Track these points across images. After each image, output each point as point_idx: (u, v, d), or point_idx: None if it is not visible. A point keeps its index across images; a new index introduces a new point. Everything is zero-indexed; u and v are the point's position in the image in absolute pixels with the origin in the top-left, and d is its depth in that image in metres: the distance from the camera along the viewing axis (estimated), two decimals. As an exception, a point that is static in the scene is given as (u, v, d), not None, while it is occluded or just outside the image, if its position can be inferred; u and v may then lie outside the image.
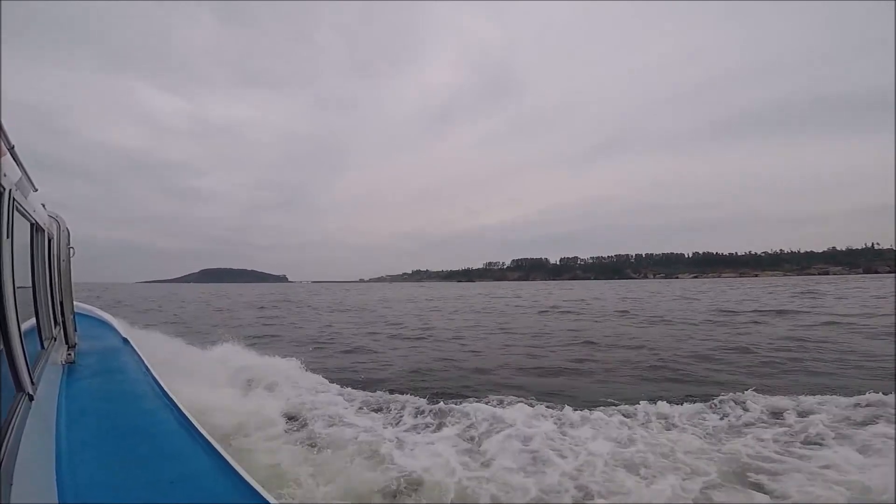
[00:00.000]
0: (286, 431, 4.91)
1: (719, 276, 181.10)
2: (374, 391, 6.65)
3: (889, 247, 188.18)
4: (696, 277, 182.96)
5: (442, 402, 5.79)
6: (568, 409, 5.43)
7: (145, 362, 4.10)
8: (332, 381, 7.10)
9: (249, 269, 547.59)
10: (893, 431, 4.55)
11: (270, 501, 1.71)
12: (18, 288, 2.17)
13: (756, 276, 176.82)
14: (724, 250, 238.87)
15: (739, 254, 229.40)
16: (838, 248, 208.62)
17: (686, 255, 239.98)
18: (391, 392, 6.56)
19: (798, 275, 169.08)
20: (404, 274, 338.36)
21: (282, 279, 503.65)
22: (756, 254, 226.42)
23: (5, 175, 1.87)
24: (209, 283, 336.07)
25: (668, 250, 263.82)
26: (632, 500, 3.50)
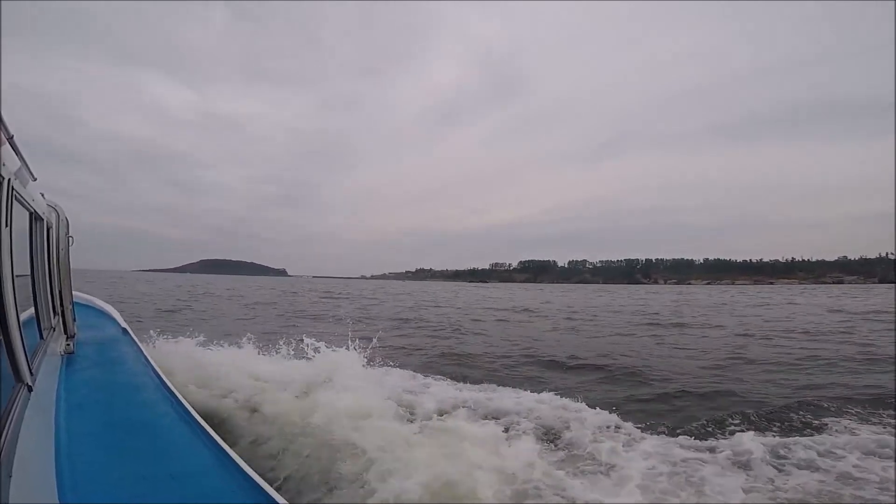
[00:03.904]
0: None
1: (733, 284, 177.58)
2: None
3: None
4: (709, 284, 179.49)
5: None
6: None
7: (145, 353, 4.08)
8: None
9: (248, 261, 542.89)
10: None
11: (271, 495, 1.69)
12: (17, 277, 2.11)
13: (771, 283, 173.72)
14: (728, 255, 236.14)
15: (752, 260, 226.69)
16: (849, 258, 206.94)
17: (696, 261, 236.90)
18: None
19: (814, 283, 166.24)
20: (407, 272, 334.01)
21: (281, 273, 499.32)
22: (768, 261, 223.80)
23: (4, 164, 1.86)
24: (208, 273, 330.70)
25: (675, 254, 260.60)
26: None
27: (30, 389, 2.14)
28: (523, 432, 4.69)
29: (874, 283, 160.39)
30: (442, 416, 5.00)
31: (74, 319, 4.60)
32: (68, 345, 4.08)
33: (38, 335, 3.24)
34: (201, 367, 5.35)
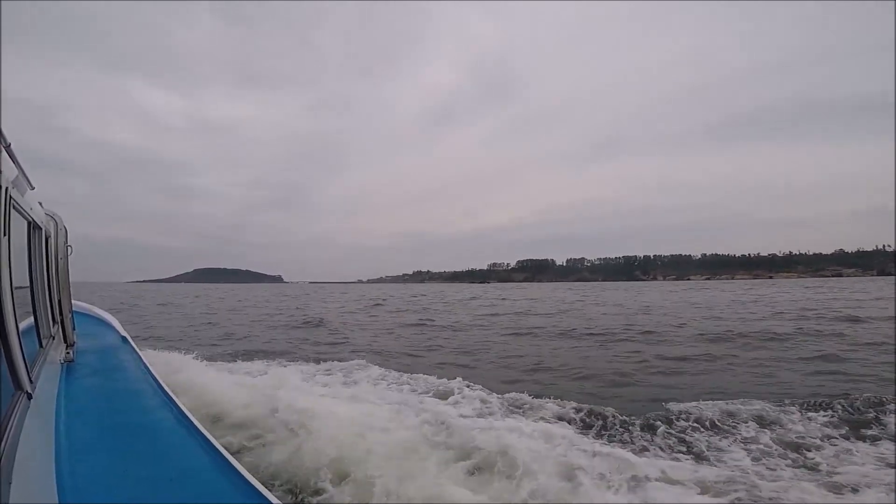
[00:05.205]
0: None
1: (732, 279, 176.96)
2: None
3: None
4: (708, 279, 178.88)
5: None
6: None
7: (144, 361, 4.10)
8: None
9: (244, 269, 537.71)
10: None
11: (265, 495, 1.71)
12: (16, 287, 2.09)
13: (770, 277, 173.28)
14: (726, 252, 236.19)
15: (751, 255, 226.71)
16: (846, 251, 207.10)
17: (694, 257, 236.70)
18: None
19: (813, 276, 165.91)
20: (404, 275, 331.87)
21: (277, 279, 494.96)
22: (766, 255, 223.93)
23: (1, 173, 1.86)
24: (203, 283, 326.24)
25: (673, 251, 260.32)
26: None
27: (30, 397, 2.14)
28: None
29: (873, 275, 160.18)
30: None
31: (74, 328, 4.58)
32: (68, 353, 4.09)
33: (37, 343, 3.24)
34: None
